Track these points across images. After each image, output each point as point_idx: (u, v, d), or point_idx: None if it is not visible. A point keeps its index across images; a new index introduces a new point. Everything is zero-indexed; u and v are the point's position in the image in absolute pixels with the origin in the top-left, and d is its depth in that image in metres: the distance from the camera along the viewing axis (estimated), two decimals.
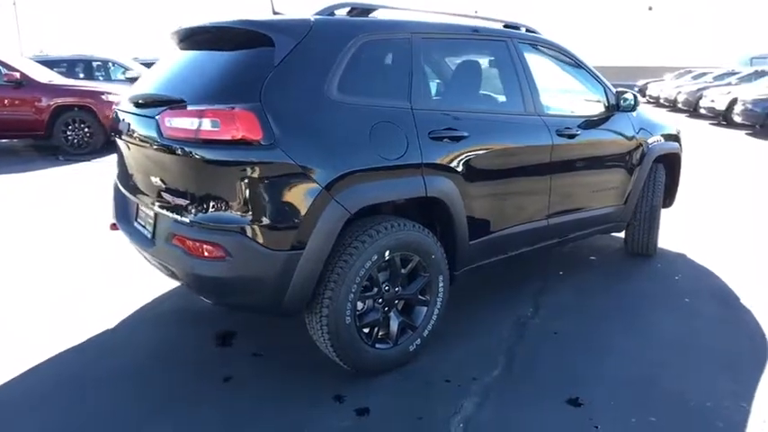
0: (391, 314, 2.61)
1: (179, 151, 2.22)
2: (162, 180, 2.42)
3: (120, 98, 2.95)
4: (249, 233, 2.16)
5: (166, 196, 2.39)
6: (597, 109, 3.65)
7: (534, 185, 3.16)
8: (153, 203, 2.53)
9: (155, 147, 2.35)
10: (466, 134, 2.70)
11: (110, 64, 11.66)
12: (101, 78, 11.37)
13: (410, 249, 2.54)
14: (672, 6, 34.32)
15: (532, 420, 2.33)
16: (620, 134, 3.71)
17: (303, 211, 2.21)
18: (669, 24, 35.73)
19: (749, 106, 11.94)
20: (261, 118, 2.13)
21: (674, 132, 4.27)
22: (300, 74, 2.29)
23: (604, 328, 3.16)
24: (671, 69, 24.46)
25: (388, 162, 2.42)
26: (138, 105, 2.58)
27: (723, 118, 13.36)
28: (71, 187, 6.56)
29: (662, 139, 4.07)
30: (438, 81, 2.78)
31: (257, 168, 2.15)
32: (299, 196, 2.21)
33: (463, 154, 2.70)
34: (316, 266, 2.27)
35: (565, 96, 3.49)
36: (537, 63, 3.25)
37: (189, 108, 2.22)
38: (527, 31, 3.40)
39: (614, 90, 3.75)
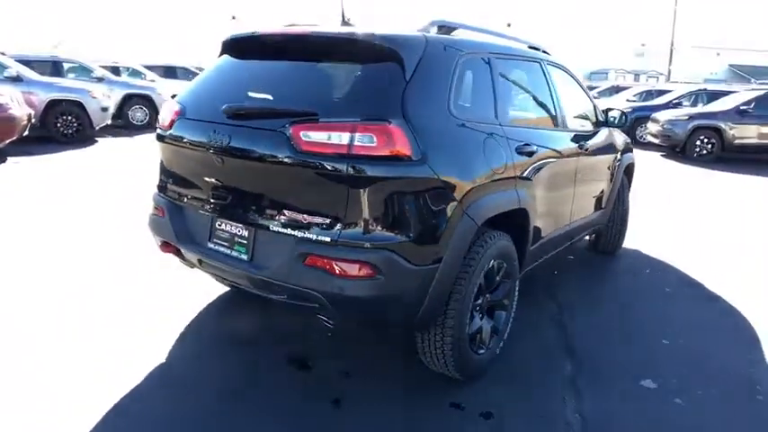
0: (484, 320, 2.73)
1: (321, 167, 2.14)
2: (287, 197, 2.29)
3: (182, 107, 2.68)
4: (398, 250, 2.16)
5: (292, 214, 2.26)
6: (592, 124, 4.09)
7: (567, 194, 3.49)
8: (254, 221, 2.38)
9: (280, 161, 2.23)
10: (534, 148, 2.92)
11: None
12: None
13: (503, 257, 2.70)
14: (528, 23, 38.08)
15: (629, 405, 2.62)
16: (610, 147, 4.21)
17: (444, 226, 2.27)
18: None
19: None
20: (408, 133, 2.15)
21: (630, 144, 4.90)
22: (428, 89, 2.34)
23: (625, 319, 3.58)
24: None
25: (498, 176, 2.56)
26: (238, 116, 2.41)
27: None
28: None
29: (626, 150, 4.66)
30: (508, 98, 2.95)
31: (407, 184, 2.17)
32: (441, 211, 2.26)
33: (533, 166, 2.92)
34: (450, 280, 2.34)
35: (575, 112, 3.86)
36: (557, 83, 3.58)
37: (327, 121, 2.15)
38: (543, 52, 3.72)
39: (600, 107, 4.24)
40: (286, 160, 2.20)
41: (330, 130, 2.12)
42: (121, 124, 12.79)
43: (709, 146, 11.04)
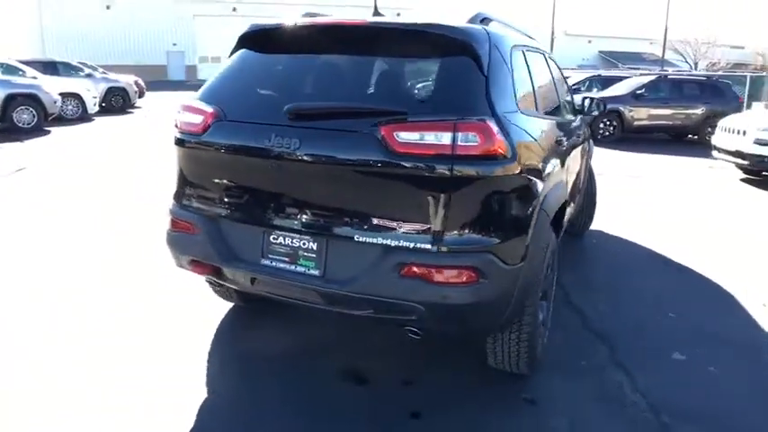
0: None
1: (420, 169, 2.01)
2: (375, 203, 2.13)
3: (218, 108, 2.38)
4: (496, 251, 2.11)
5: (382, 222, 2.10)
6: (573, 113, 4.26)
7: (571, 181, 3.60)
8: (326, 232, 2.20)
9: (368, 165, 2.07)
10: (564, 139, 2.98)
11: None
12: None
13: (553, 250, 2.73)
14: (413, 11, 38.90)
15: (674, 376, 2.80)
16: (585, 134, 4.41)
17: (530, 222, 2.25)
18: None
19: None
20: (501, 130, 2.09)
21: (590, 131, 5.18)
22: (501, 83, 2.29)
23: (627, 297, 3.81)
24: None
25: (554, 169, 2.57)
26: (304, 117, 2.19)
27: None
28: None
29: (590, 137, 4.92)
30: (540, 91, 2.96)
31: (502, 182, 2.12)
32: (528, 207, 2.24)
33: (562, 157, 2.98)
34: (532, 277, 2.32)
35: (565, 101, 3.99)
36: (554, 73, 3.68)
37: (420, 120, 2.02)
38: None
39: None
40: (376, 164, 2.05)
41: (428, 130, 2.00)
42: (5, 128, 11.29)
43: (612, 128, 12.04)
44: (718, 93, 12.42)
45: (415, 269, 2.05)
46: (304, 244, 2.25)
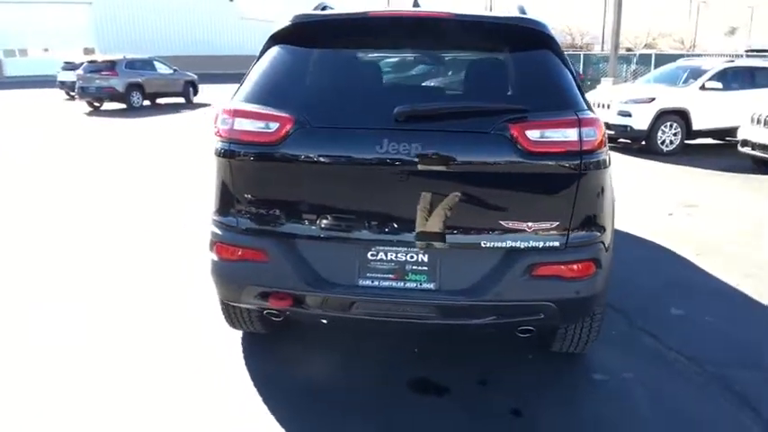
0: None
1: (553, 167, 2.01)
2: (502, 206, 2.07)
3: (294, 114, 2.07)
4: (603, 239, 2.20)
5: (510, 224, 2.06)
6: None
7: None
8: (441, 241, 2.11)
9: (500, 166, 2.01)
10: None
11: None
12: None
13: None
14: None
15: (685, 330, 3.16)
16: None
17: (613, 208, 2.36)
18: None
19: None
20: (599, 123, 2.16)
21: None
22: (575, 76, 2.34)
23: (624, 275, 4.02)
24: None
25: None
26: (417, 119, 2.02)
27: None
28: None
29: None
30: None
31: (605, 173, 2.20)
32: (612, 194, 2.36)
33: None
34: (611, 260, 2.44)
35: None
36: None
37: (544, 118, 2.01)
38: None
39: None
40: (508, 164, 2.01)
41: (556, 127, 2.01)
42: None
43: None
44: None
45: (547, 268, 2.07)
46: (412, 257, 2.12)
